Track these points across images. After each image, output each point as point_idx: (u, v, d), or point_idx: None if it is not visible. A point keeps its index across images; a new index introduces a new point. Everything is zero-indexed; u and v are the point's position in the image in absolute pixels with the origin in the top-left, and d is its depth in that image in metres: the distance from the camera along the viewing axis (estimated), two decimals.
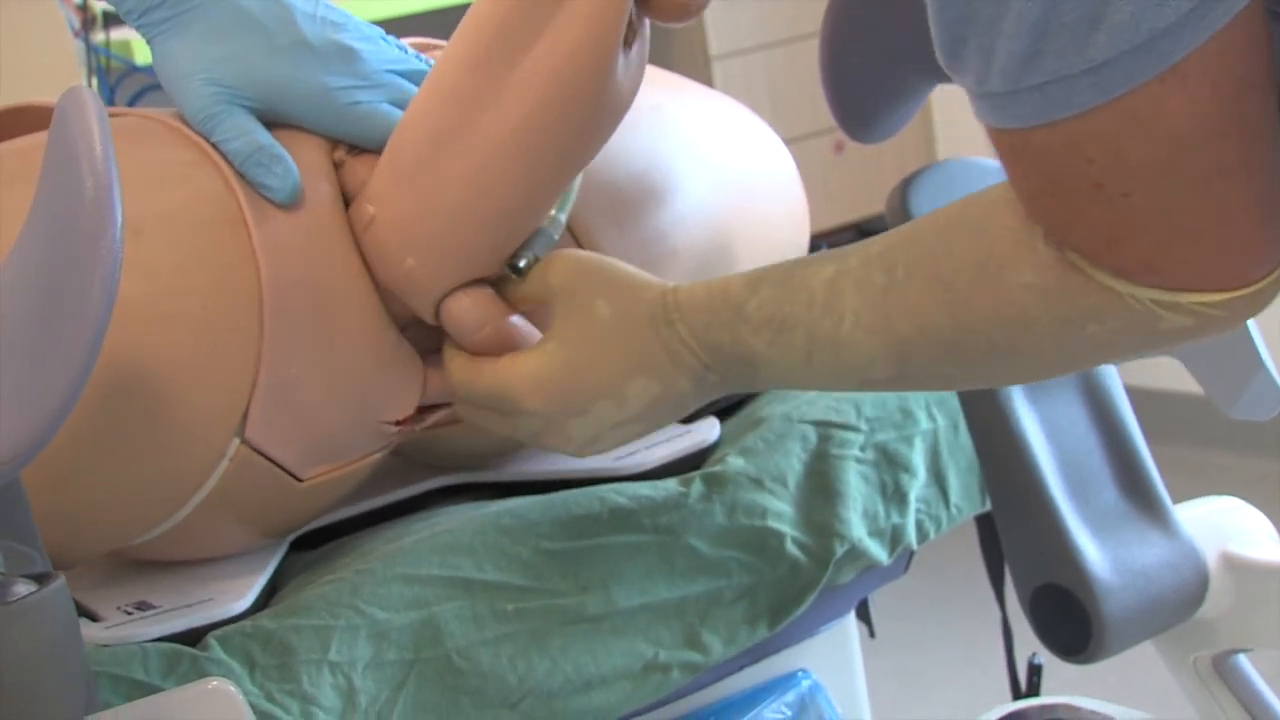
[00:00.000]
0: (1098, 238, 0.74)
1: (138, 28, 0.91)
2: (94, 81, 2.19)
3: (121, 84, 2.25)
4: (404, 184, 0.90)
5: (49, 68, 2.19)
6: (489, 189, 0.89)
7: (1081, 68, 0.68)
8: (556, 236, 0.94)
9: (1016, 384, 0.95)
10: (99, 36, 2.19)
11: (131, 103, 2.23)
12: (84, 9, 2.20)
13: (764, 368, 0.87)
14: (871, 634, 1.21)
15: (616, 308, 0.89)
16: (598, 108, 0.89)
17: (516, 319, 0.93)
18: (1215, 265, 0.73)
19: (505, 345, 0.92)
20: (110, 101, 2.19)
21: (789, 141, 1.16)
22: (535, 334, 0.93)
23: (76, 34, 2.19)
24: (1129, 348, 0.79)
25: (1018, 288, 0.78)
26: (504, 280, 0.93)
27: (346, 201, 0.93)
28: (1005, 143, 0.74)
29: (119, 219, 0.68)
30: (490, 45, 0.88)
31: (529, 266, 0.91)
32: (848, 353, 0.84)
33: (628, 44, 0.88)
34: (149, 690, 0.82)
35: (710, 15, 2.91)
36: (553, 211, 0.94)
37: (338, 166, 0.94)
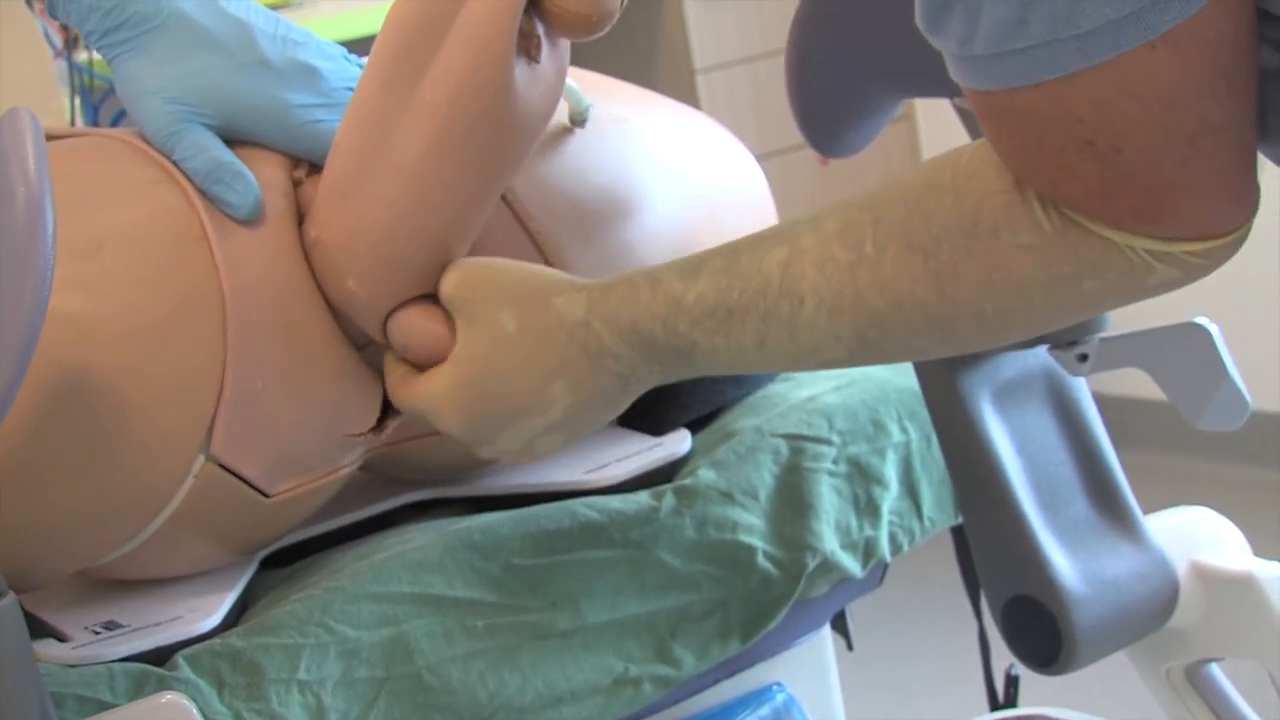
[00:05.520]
0: (1091, 192, 0.73)
1: (99, 49, 0.91)
2: (77, 101, 2.19)
3: (105, 103, 2.25)
4: (336, 207, 0.91)
5: (31, 88, 2.19)
6: (411, 210, 0.89)
7: (1068, 34, 0.67)
8: None
9: (990, 348, 0.93)
10: (82, 55, 2.19)
11: (115, 122, 2.22)
12: (67, 28, 2.20)
13: (703, 357, 0.86)
14: (849, 646, 1.21)
15: (522, 319, 0.87)
16: (504, 124, 0.89)
17: None
18: (1205, 213, 0.74)
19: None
20: (94, 121, 2.19)
21: (774, 154, 1.16)
22: None
23: (59, 53, 2.19)
24: (1115, 304, 0.79)
25: (1013, 249, 0.76)
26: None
27: (302, 220, 0.93)
28: (987, 104, 0.73)
29: (50, 224, 0.71)
30: (395, 68, 0.89)
31: None
32: (807, 335, 0.82)
33: (532, 58, 0.89)
34: None
35: (694, 29, 2.91)
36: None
37: (296, 185, 0.94)
